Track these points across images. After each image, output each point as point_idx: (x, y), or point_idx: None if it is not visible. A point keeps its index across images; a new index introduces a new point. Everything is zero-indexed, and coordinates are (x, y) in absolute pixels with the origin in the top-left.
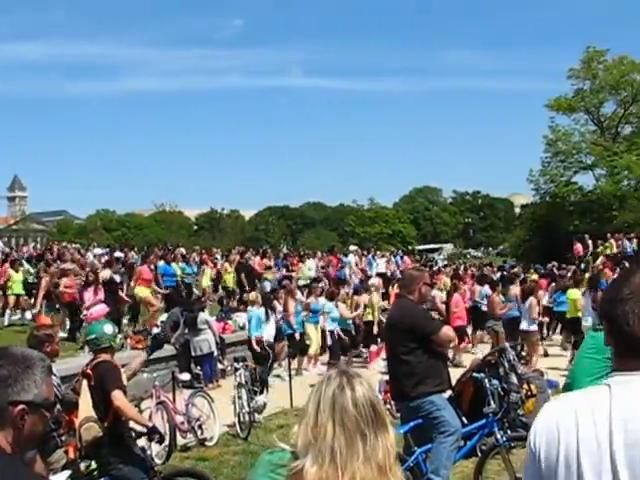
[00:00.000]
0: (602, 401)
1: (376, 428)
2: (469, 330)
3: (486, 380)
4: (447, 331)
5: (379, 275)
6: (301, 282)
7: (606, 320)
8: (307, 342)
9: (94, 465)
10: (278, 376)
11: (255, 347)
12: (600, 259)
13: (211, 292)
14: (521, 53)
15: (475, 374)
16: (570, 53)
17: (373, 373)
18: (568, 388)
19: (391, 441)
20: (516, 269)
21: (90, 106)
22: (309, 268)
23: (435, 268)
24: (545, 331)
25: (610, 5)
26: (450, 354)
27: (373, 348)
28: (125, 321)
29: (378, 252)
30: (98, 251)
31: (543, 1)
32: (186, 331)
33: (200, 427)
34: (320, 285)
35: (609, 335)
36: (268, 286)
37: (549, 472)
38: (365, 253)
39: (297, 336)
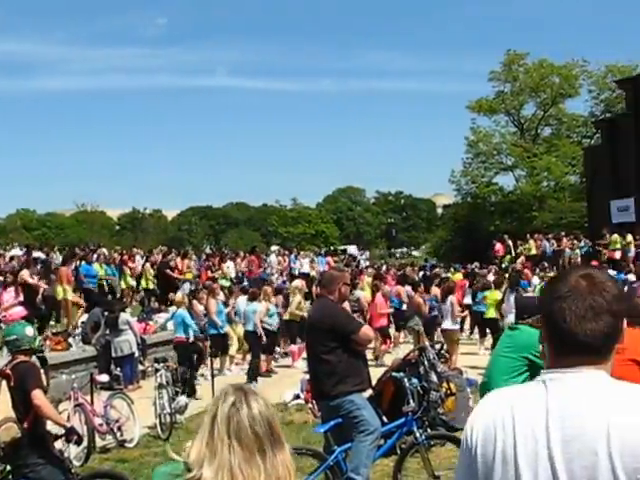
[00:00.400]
0: (538, 398)
1: (274, 445)
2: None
3: (405, 379)
4: (367, 331)
5: (302, 275)
6: (222, 283)
7: (543, 317)
8: (229, 342)
9: (9, 468)
10: (201, 375)
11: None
12: (520, 260)
13: (135, 292)
14: (444, 55)
15: (395, 373)
16: (491, 56)
17: (296, 372)
18: (484, 386)
19: (289, 457)
20: (437, 269)
21: (10, 104)
22: (227, 267)
23: (359, 268)
24: (468, 330)
25: (530, 9)
26: (371, 355)
27: (294, 347)
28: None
29: (301, 252)
30: (15, 252)
31: (465, 4)
32: (107, 332)
33: (119, 429)
34: (243, 286)
35: (545, 332)
36: (187, 287)
37: (486, 468)
38: (287, 253)
39: (225, 333)
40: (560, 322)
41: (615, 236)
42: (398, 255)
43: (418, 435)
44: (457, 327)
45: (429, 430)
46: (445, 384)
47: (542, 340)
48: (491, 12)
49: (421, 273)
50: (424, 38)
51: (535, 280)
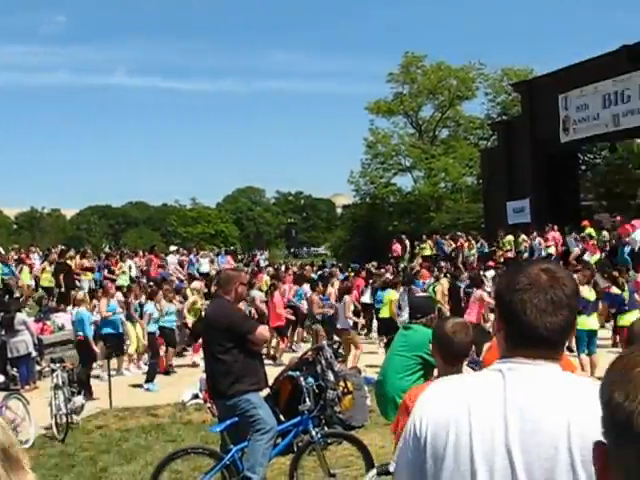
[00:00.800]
0: (496, 388)
1: (11, 471)
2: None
3: (302, 378)
4: (263, 330)
5: (202, 275)
6: (121, 282)
7: (501, 308)
8: (127, 342)
9: None
10: (97, 377)
11: (95, 347)
12: (417, 260)
13: (32, 291)
14: (344, 56)
15: (291, 372)
16: (391, 57)
17: (195, 371)
18: (380, 385)
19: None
20: (333, 269)
21: None
22: (129, 267)
23: (258, 268)
24: (364, 329)
25: (428, 12)
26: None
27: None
28: None
29: (201, 252)
30: None
31: (365, 6)
32: (2, 332)
33: (15, 429)
34: (142, 285)
35: (503, 322)
36: (87, 286)
37: (435, 458)
38: (186, 253)
39: (120, 333)
40: (520, 314)
41: (509, 237)
42: (305, 255)
43: (314, 433)
44: (350, 327)
45: (326, 428)
46: (342, 383)
47: (497, 329)
48: (390, 14)
49: (319, 272)
50: (327, 40)
51: (431, 280)
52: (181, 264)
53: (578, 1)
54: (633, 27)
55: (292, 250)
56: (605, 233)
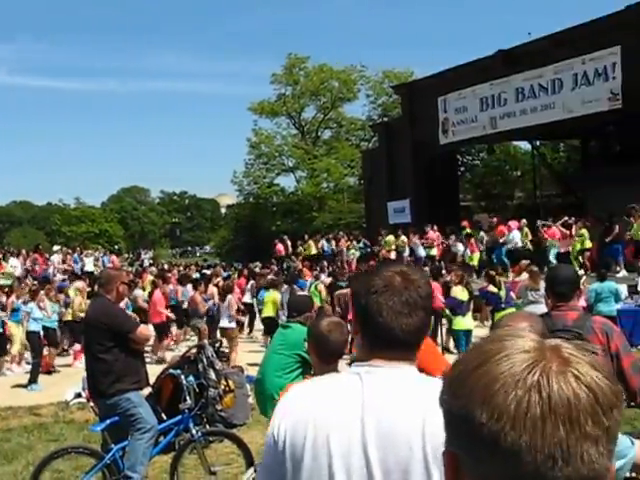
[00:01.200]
0: (353, 391)
1: None
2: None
3: (182, 376)
4: (144, 330)
5: (86, 274)
6: (3, 282)
7: (358, 311)
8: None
9: None
10: None
11: None
12: (299, 259)
13: None
14: (229, 57)
15: (172, 370)
16: (275, 59)
17: (78, 370)
18: (259, 383)
19: None
20: (216, 268)
21: None
22: (13, 266)
23: (142, 267)
24: (247, 328)
25: (313, 15)
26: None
27: (77, 347)
28: None
29: (85, 251)
30: None
31: (250, 8)
32: None
33: None
34: (25, 284)
35: (360, 325)
36: None
37: (294, 459)
38: (70, 252)
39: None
40: (376, 316)
41: (390, 237)
42: (191, 255)
43: (195, 432)
44: (234, 325)
45: (207, 427)
46: (224, 381)
47: (355, 332)
48: (272, 17)
49: (202, 272)
50: (212, 41)
51: (312, 279)
52: (65, 262)
53: (457, 5)
54: (508, 31)
55: (178, 249)
56: (482, 234)
